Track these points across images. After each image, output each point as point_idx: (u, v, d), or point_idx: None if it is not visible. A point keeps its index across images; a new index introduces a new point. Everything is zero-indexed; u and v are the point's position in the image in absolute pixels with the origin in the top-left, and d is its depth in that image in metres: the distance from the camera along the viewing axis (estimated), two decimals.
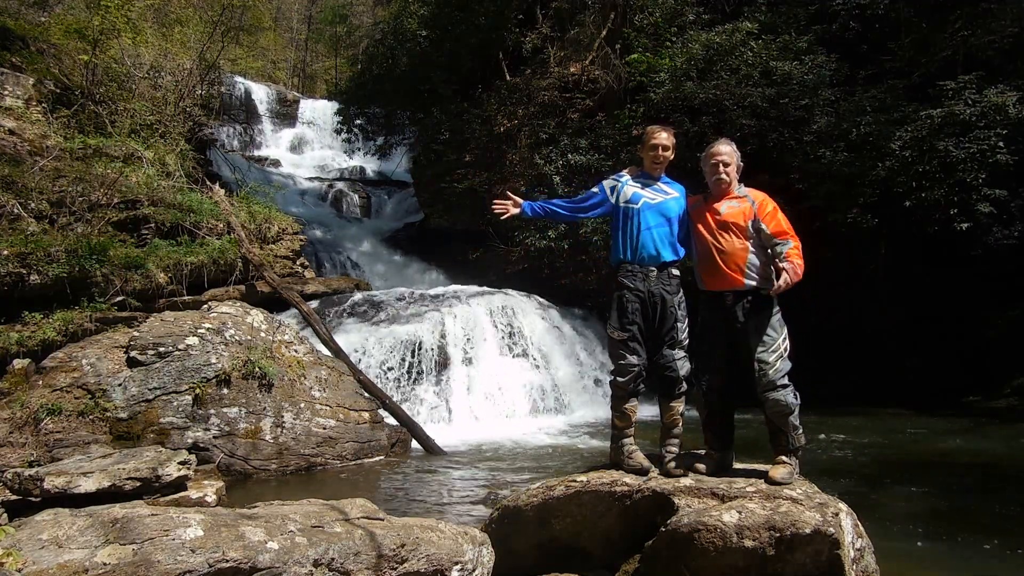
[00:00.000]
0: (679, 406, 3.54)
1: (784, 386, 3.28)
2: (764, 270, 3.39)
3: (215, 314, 6.99)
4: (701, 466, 3.41)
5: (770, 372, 3.27)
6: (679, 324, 3.54)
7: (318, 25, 32.78)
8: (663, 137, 3.65)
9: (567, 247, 11.31)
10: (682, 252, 3.64)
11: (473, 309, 9.77)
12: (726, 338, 3.44)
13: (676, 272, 3.60)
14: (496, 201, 3.87)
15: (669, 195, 3.64)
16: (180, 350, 6.43)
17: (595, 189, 3.79)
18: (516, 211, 3.81)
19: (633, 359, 3.51)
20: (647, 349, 3.57)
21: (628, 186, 3.66)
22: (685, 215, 3.65)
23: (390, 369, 8.59)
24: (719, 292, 3.43)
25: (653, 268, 3.53)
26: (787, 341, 3.37)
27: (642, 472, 3.41)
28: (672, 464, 3.39)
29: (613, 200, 3.68)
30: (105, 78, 10.89)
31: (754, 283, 3.37)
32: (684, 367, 3.52)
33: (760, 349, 3.30)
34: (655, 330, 3.55)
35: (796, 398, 3.31)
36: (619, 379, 3.55)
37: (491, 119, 13.75)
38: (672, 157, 3.70)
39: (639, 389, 3.56)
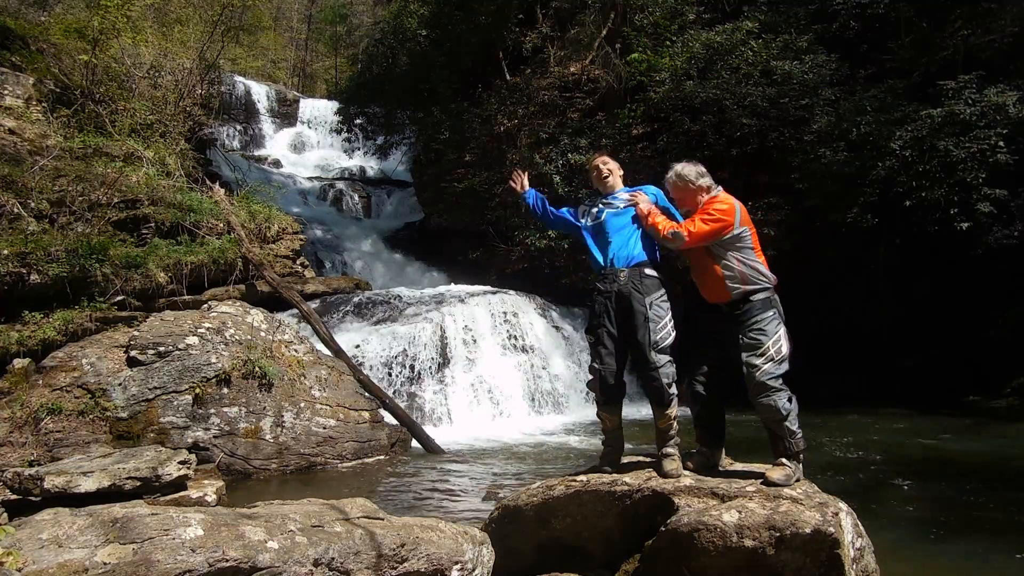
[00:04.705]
0: (672, 411, 3.43)
1: (775, 390, 3.21)
2: (745, 272, 3.35)
3: (215, 314, 6.99)
4: (690, 463, 3.46)
5: (757, 375, 3.22)
6: (651, 324, 3.41)
7: (318, 25, 32.79)
8: (597, 161, 3.86)
9: (567, 246, 11.31)
10: (655, 252, 3.62)
11: (473, 309, 9.77)
12: (718, 337, 3.44)
13: (650, 272, 3.55)
14: (515, 174, 4.12)
15: (632, 201, 3.65)
16: (180, 350, 6.43)
17: (569, 209, 3.96)
18: (519, 189, 4.07)
19: (595, 363, 3.54)
20: (630, 356, 3.55)
21: (593, 207, 3.78)
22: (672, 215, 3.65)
23: (390, 368, 8.59)
24: (715, 304, 3.46)
25: (624, 270, 3.54)
26: (782, 344, 3.29)
27: (605, 473, 3.44)
28: (670, 466, 3.35)
29: (583, 222, 3.80)
30: (105, 77, 10.89)
31: (740, 290, 3.34)
32: (668, 373, 3.39)
33: (748, 353, 3.26)
34: (628, 333, 3.49)
35: (791, 403, 3.24)
36: (587, 383, 3.63)
37: (491, 119, 13.75)
38: (614, 171, 3.82)
39: (611, 396, 3.53)
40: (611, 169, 3.81)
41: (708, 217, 3.35)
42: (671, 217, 3.61)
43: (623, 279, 3.51)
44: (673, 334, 3.48)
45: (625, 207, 3.64)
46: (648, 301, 3.46)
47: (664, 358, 3.41)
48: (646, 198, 3.59)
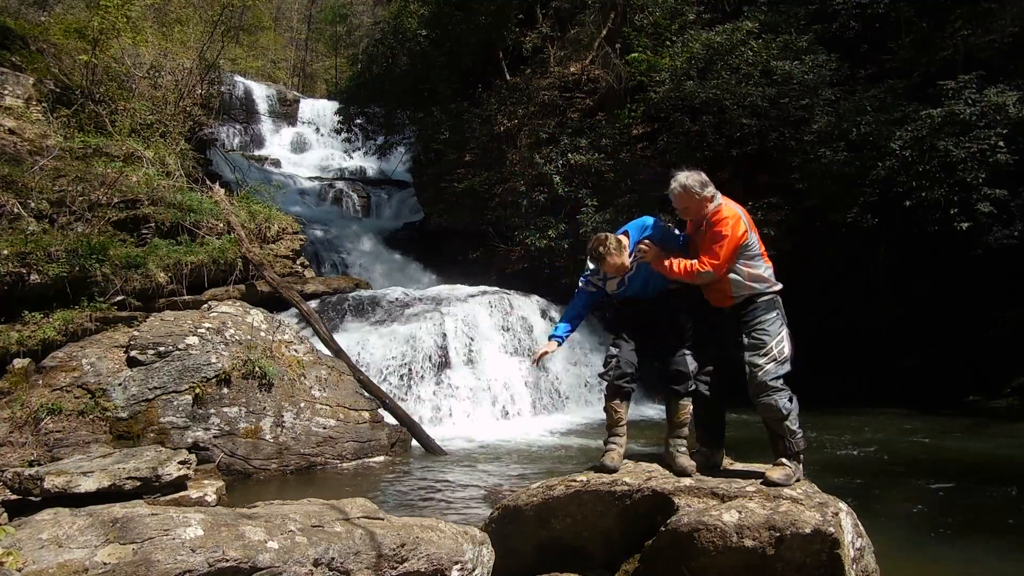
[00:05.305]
0: (689, 404, 3.52)
1: (776, 390, 3.24)
2: (751, 281, 3.37)
3: (215, 314, 7.00)
4: (691, 462, 3.46)
5: (759, 374, 3.24)
6: (681, 318, 3.57)
7: (318, 25, 32.76)
8: (607, 264, 3.57)
9: (567, 246, 11.31)
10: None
11: (473, 309, 9.77)
12: (718, 337, 3.47)
13: (673, 286, 3.61)
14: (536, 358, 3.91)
15: (643, 259, 3.56)
16: (180, 350, 6.43)
17: (584, 287, 3.79)
18: (554, 348, 3.78)
19: (613, 350, 3.61)
20: (660, 353, 3.60)
21: (610, 280, 3.69)
22: (676, 239, 3.66)
23: (390, 369, 8.59)
24: (718, 307, 3.49)
25: (651, 298, 3.65)
26: (784, 344, 3.32)
27: (605, 471, 3.44)
28: (686, 462, 3.38)
29: (603, 287, 3.73)
30: (105, 78, 10.89)
31: (745, 293, 3.37)
32: (692, 364, 3.51)
33: (750, 353, 3.29)
34: (659, 332, 3.59)
35: (792, 402, 3.26)
36: (601, 370, 3.69)
37: (491, 119, 13.74)
38: (625, 264, 3.59)
39: (622, 387, 3.56)
40: (624, 267, 3.60)
41: (724, 241, 3.33)
42: (675, 240, 3.64)
43: (650, 302, 3.63)
44: (692, 338, 3.60)
45: (639, 264, 3.61)
46: (673, 306, 3.60)
47: (687, 350, 3.54)
48: (654, 252, 3.50)
